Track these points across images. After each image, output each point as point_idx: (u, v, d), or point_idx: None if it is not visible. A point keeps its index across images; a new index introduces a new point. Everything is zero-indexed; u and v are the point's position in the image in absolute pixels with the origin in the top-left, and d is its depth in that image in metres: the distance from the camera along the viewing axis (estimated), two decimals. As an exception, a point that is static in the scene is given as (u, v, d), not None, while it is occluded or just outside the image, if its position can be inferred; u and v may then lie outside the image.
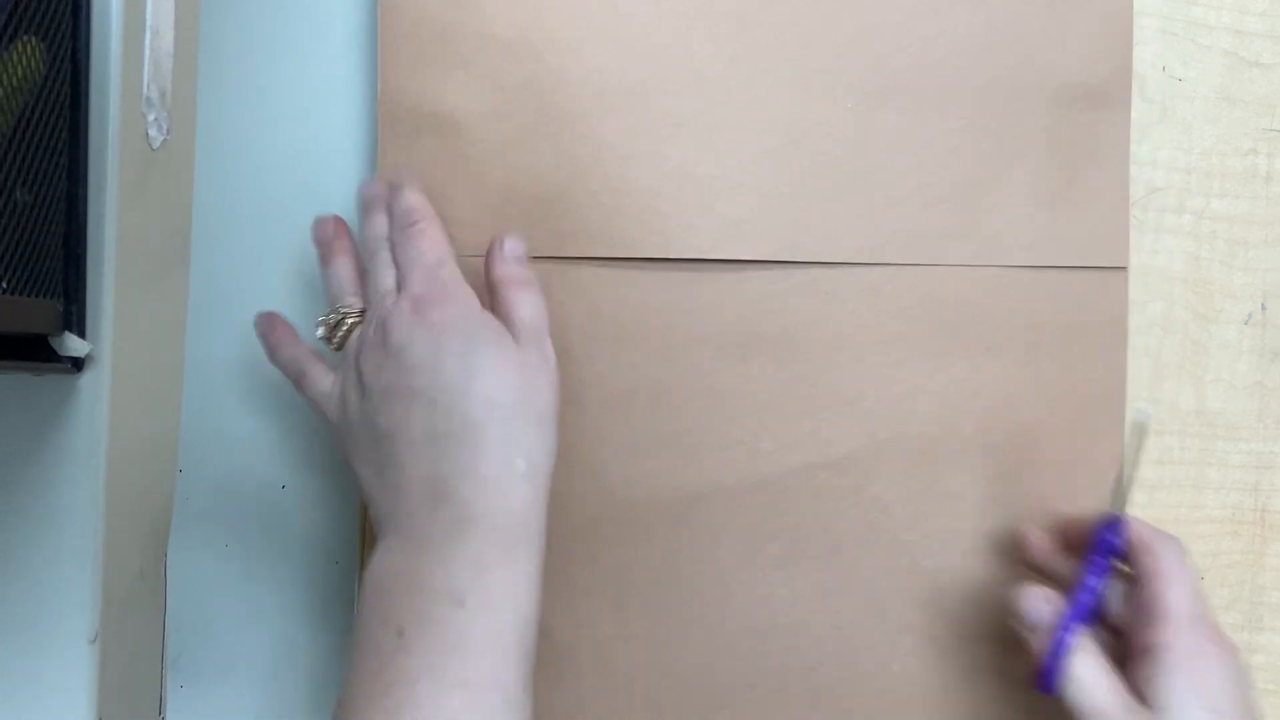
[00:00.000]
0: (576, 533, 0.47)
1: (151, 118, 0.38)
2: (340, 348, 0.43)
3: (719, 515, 0.47)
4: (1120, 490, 0.42)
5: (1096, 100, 0.46)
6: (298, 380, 0.44)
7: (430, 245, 0.41)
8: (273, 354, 0.45)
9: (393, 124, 0.46)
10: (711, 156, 0.46)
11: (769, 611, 0.47)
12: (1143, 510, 0.47)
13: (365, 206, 0.45)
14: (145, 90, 0.38)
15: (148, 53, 0.37)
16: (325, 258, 0.45)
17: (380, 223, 0.44)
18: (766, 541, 0.47)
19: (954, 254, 0.46)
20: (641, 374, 0.47)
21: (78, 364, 0.36)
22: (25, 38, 0.32)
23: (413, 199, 0.43)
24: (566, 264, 0.46)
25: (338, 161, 0.49)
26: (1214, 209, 0.47)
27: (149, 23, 0.38)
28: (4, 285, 0.31)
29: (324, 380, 0.43)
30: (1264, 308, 0.47)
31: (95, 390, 0.37)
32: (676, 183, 0.46)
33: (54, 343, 0.35)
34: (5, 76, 0.31)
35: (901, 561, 0.47)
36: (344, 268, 0.44)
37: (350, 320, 0.43)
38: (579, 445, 0.47)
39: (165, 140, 0.39)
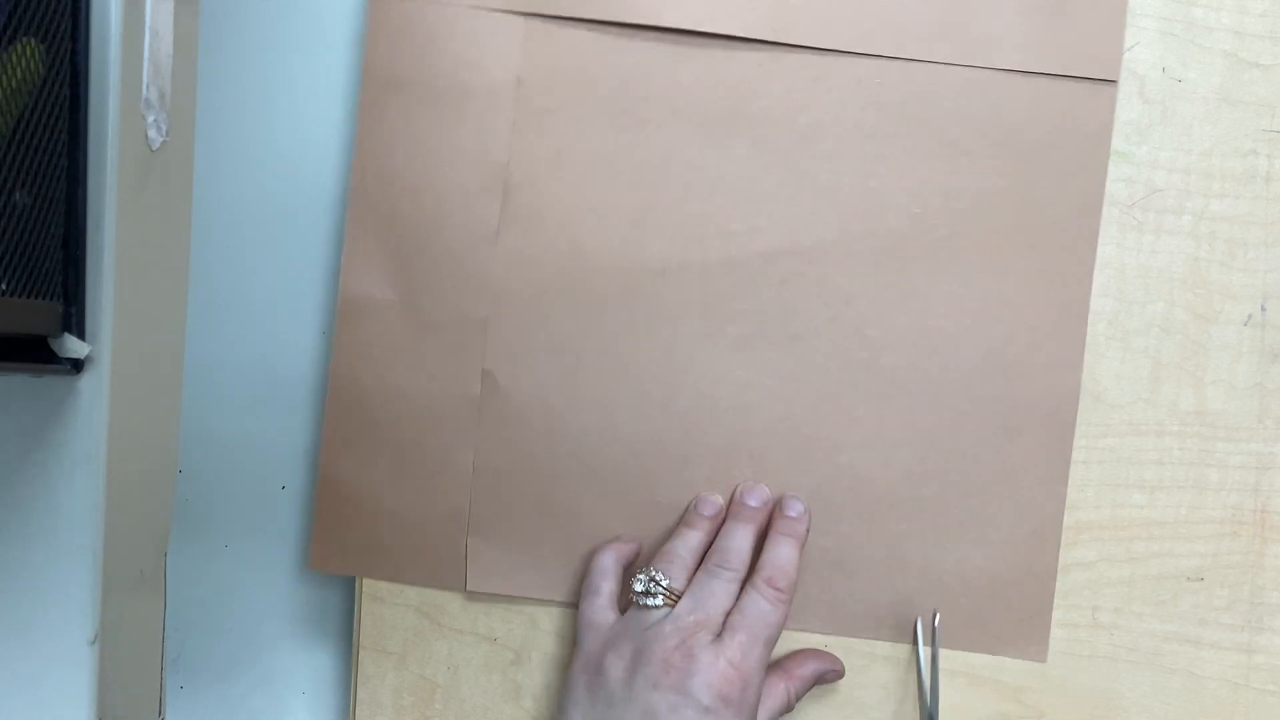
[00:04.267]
0: (541, 292, 0.47)
1: (151, 119, 0.38)
2: (627, 608, 0.45)
3: (682, 292, 0.47)
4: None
5: None
6: (587, 593, 0.45)
7: (775, 618, 0.43)
8: (601, 554, 0.46)
9: None
10: None
11: (723, 392, 0.47)
12: (1142, 511, 0.47)
13: (739, 514, 0.46)
14: (145, 91, 0.38)
15: (147, 54, 0.37)
16: (691, 524, 0.46)
17: (746, 538, 0.45)
18: (727, 323, 0.47)
19: (943, 51, 0.46)
20: (622, 142, 0.47)
21: (77, 365, 0.36)
22: (25, 39, 0.32)
23: (789, 554, 0.45)
24: (558, 23, 0.46)
25: (338, 162, 0.49)
26: (1214, 210, 0.47)
27: (148, 24, 0.38)
28: (3, 287, 0.31)
29: (606, 617, 0.45)
30: (1264, 309, 0.47)
31: (95, 391, 0.37)
32: None
33: (54, 344, 0.35)
34: (5, 78, 0.31)
35: (860, 356, 0.47)
36: (696, 543, 0.46)
37: (661, 602, 0.44)
38: (555, 207, 0.47)
39: (165, 141, 0.39)
